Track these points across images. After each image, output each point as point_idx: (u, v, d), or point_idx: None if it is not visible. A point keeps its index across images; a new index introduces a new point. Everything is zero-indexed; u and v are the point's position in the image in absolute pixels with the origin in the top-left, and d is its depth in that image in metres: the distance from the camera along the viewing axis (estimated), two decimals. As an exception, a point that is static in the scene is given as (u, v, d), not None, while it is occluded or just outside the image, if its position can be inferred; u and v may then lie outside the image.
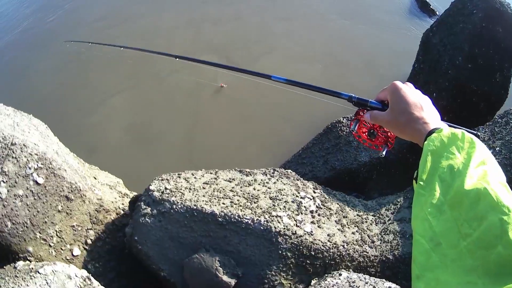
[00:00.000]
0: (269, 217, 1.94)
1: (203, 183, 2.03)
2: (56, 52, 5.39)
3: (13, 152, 2.17)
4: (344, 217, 2.11)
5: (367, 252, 2.18)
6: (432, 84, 2.51)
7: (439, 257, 0.78)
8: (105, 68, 4.98)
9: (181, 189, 1.99)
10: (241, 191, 1.99)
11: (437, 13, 4.54)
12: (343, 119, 2.90)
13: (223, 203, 1.94)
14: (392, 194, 2.32)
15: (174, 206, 1.94)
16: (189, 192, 1.97)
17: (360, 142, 1.26)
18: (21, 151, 2.14)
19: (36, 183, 2.11)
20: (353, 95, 1.14)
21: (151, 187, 2.02)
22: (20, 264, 2.29)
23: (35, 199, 2.13)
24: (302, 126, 3.75)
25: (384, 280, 2.04)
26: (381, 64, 4.20)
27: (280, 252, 1.98)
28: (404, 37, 4.50)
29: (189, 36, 5.32)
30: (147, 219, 1.99)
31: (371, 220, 2.19)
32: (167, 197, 1.96)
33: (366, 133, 1.22)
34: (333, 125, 2.92)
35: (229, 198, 1.96)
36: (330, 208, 2.08)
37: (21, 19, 6.33)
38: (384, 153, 1.19)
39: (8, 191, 2.20)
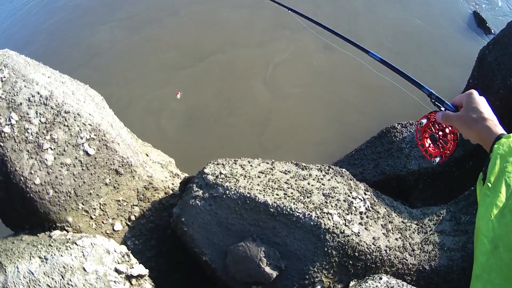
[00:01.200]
0: (320, 213, 1.96)
1: (259, 172, 2.04)
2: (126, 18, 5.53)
3: (65, 120, 2.16)
4: (390, 222, 2.13)
5: (407, 260, 2.20)
6: (485, 101, 2.53)
7: (495, 260, 0.81)
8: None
9: (236, 175, 2.00)
10: (295, 184, 2.00)
11: (492, 31, 4.64)
12: (398, 125, 2.95)
13: (277, 194, 1.95)
14: (435, 205, 2.35)
15: (227, 192, 1.95)
16: (244, 179, 1.98)
17: (418, 149, 1.37)
18: (74, 120, 2.14)
19: (86, 153, 2.11)
20: (434, 92, 1.22)
21: (206, 170, 2.03)
22: (56, 233, 2.28)
23: (83, 169, 2.13)
24: (359, 125, 3.85)
25: (419, 289, 2.07)
26: (438, 71, 4.38)
27: (325, 249, 2.00)
28: (460, 50, 4.62)
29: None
30: (197, 202, 2.00)
31: (414, 228, 2.22)
32: (221, 182, 1.97)
33: (429, 138, 1.30)
34: (388, 130, 2.96)
35: (283, 190, 1.97)
36: (378, 212, 2.10)
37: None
38: (437, 160, 1.27)
39: (54, 158, 2.19)
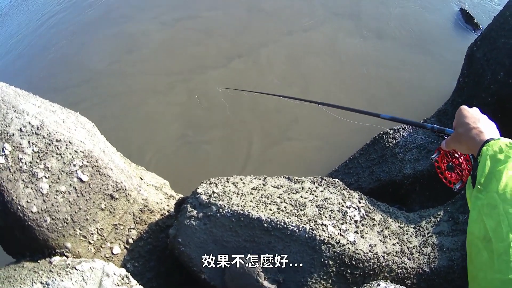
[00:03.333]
0: (314, 225, 1.99)
1: (251, 189, 2.08)
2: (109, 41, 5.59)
3: (57, 148, 2.21)
4: (386, 228, 2.16)
5: (406, 264, 2.23)
6: (476, 98, 2.55)
7: (488, 253, 0.82)
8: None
9: (229, 193, 2.04)
10: (288, 198, 2.04)
11: (480, 27, 4.63)
12: (390, 131, 2.96)
13: (270, 209, 1.99)
14: (433, 207, 2.37)
15: (221, 210, 1.99)
16: (237, 196, 2.02)
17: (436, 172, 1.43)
18: (66, 148, 2.19)
19: (80, 180, 2.16)
20: (435, 125, 1.31)
21: (199, 190, 2.07)
22: (56, 259, 2.34)
23: (78, 196, 2.18)
24: (350, 135, 3.86)
25: (419, 292, 2.10)
26: (427, 72, 4.41)
27: (322, 260, 2.03)
28: (449, 49, 4.64)
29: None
30: (192, 222, 2.04)
31: (411, 232, 2.24)
32: (214, 200, 2.01)
33: (446, 165, 1.35)
34: (380, 136, 2.98)
35: (276, 204, 2.01)
36: (373, 219, 2.13)
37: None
38: (457, 187, 1.31)
39: (49, 186, 2.25)
